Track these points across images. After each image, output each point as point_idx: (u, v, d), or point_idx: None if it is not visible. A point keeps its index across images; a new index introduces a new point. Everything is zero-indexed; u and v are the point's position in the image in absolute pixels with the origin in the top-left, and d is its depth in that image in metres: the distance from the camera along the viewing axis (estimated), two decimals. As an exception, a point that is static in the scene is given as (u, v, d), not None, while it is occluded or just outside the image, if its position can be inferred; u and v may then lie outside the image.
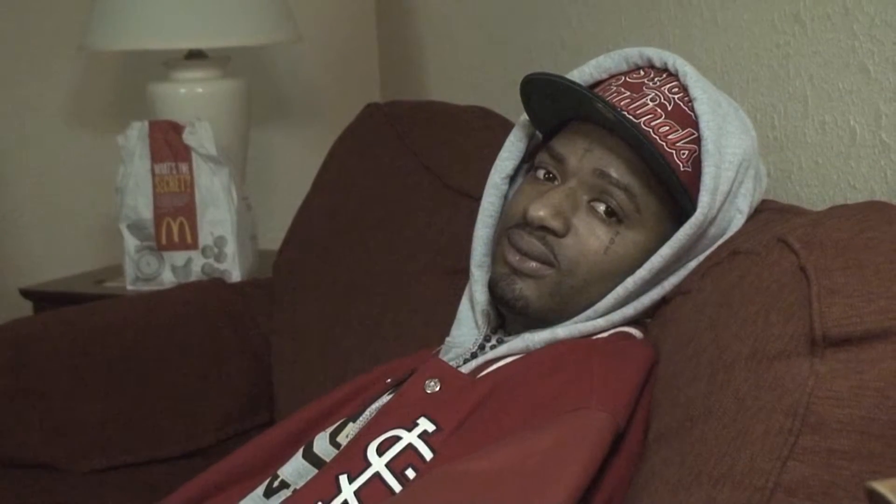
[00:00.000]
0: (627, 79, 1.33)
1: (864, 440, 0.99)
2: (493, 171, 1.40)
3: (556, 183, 1.31)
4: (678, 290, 1.29)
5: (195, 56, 2.50)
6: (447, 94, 2.23)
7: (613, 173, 1.27)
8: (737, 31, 1.54)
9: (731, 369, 1.07)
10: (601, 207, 1.28)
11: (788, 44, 1.44)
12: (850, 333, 1.00)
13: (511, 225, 1.32)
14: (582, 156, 1.29)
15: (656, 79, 1.32)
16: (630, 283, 1.28)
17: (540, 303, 1.30)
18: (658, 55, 1.33)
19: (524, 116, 1.39)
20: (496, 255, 1.34)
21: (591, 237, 1.28)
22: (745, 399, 1.04)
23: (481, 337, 1.36)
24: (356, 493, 1.21)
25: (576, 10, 1.95)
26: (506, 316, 1.37)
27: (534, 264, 1.29)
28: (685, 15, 1.65)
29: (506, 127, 1.77)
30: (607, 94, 1.31)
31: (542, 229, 1.28)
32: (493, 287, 1.32)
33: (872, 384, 0.99)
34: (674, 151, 1.27)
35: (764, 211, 1.32)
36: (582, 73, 1.37)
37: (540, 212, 1.27)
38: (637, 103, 1.29)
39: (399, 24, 2.73)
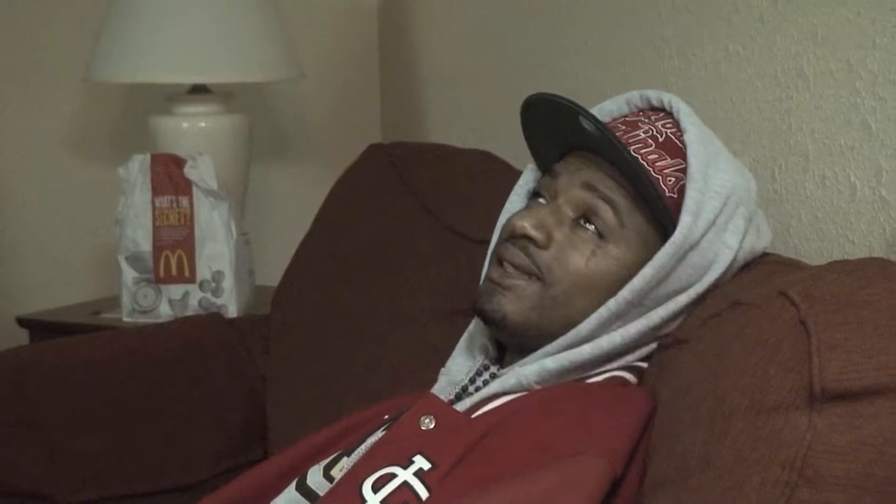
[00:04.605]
0: (626, 118, 1.37)
1: (861, 495, 0.99)
2: (503, 213, 1.44)
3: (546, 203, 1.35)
4: (676, 339, 1.29)
5: (198, 90, 2.51)
6: (448, 137, 2.24)
7: (600, 186, 1.30)
8: (739, 84, 1.56)
9: (730, 420, 1.07)
10: (586, 225, 1.31)
11: (791, 98, 1.46)
12: (849, 388, 1.01)
13: (500, 241, 1.35)
14: (573, 173, 1.33)
15: (652, 116, 1.35)
16: (612, 304, 1.29)
17: (520, 317, 1.31)
18: (656, 95, 1.37)
19: (531, 164, 1.44)
20: (484, 274, 1.37)
21: (571, 249, 1.30)
22: (743, 450, 1.05)
23: (474, 370, 1.37)
24: None
25: (580, 63, 1.96)
26: (504, 348, 1.39)
27: (516, 280, 1.31)
28: (688, 67, 1.66)
29: (507, 171, 1.79)
30: None
31: (525, 239, 1.31)
32: (476, 304, 1.34)
33: (870, 440, 1.00)
34: (660, 177, 1.30)
35: (765, 263, 1.33)
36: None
37: (523, 222, 1.31)
38: (629, 135, 1.32)
39: (401, 65, 2.74)
